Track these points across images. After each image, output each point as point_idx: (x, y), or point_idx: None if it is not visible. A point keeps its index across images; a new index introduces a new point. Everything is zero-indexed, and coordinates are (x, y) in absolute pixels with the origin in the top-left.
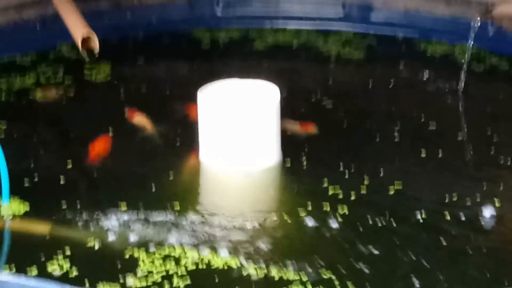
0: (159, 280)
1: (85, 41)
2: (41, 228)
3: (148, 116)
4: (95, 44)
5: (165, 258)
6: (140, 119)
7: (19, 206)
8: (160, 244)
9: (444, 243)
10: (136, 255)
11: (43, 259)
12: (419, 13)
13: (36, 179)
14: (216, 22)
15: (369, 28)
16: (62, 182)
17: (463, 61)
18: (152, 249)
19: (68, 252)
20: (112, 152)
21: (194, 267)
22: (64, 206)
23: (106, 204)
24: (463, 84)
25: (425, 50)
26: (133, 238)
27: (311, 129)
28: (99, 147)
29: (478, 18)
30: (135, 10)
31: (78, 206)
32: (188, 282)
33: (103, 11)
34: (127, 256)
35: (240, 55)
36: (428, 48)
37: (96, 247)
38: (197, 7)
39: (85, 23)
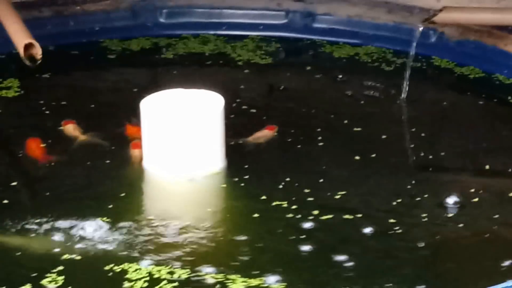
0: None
1: (27, 47)
2: None
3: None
4: (38, 50)
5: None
6: (71, 128)
7: None
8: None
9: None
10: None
11: None
12: (361, 20)
13: None
14: (158, 30)
15: (312, 35)
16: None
17: (407, 65)
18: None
19: None
20: (48, 162)
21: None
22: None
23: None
24: (406, 89)
25: (367, 56)
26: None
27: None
28: (33, 150)
29: (420, 26)
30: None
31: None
32: None
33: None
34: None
35: (182, 64)
36: (374, 55)
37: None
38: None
39: (27, 30)
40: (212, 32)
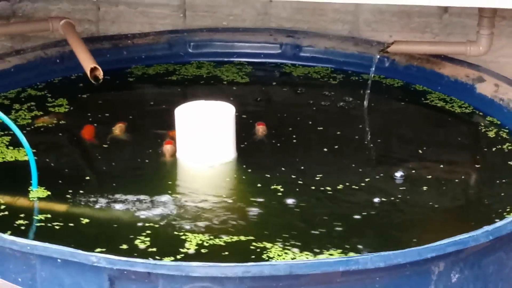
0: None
1: (92, 70)
2: (59, 207)
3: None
4: (100, 72)
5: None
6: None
7: (43, 192)
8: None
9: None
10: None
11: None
12: (336, 50)
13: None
14: (188, 58)
15: (299, 62)
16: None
17: (368, 84)
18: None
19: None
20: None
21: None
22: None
23: (103, 191)
24: (366, 102)
25: (316, 73)
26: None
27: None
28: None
29: (377, 55)
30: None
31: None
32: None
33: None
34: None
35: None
36: (321, 72)
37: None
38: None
39: (92, 57)
40: (226, 59)
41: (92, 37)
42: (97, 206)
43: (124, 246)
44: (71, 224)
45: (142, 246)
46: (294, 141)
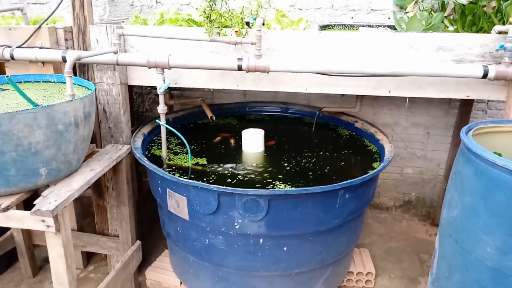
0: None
1: (211, 116)
2: (199, 167)
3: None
4: (214, 117)
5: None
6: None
7: (197, 160)
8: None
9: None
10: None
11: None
12: (299, 106)
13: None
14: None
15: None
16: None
17: (313, 122)
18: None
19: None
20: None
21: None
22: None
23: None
24: (313, 129)
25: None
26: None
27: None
28: (223, 136)
29: (317, 111)
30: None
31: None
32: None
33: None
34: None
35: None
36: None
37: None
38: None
39: (210, 111)
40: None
41: (210, 104)
42: (214, 167)
43: (227, 181)
44: (201, 173)
45: (229, 181)
46: (286, 146)
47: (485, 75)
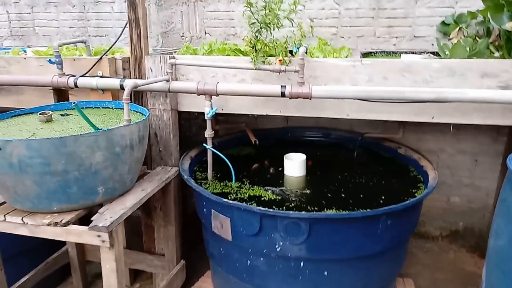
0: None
1: (255, 141)
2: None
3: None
4: (257, 141)
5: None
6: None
7: (236, 183)
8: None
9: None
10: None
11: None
12: (341, 131)
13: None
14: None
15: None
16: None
17: (355, 148)
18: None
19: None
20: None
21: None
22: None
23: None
24: (355, 154)
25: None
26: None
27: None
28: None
29: (360, 137)
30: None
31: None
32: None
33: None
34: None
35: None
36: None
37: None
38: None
39: (253, 135)
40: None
41: (253, 128)
42: (254, 188)
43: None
44: (244, 195)
45: (266, 199)
46: (328, 171)
47: None
